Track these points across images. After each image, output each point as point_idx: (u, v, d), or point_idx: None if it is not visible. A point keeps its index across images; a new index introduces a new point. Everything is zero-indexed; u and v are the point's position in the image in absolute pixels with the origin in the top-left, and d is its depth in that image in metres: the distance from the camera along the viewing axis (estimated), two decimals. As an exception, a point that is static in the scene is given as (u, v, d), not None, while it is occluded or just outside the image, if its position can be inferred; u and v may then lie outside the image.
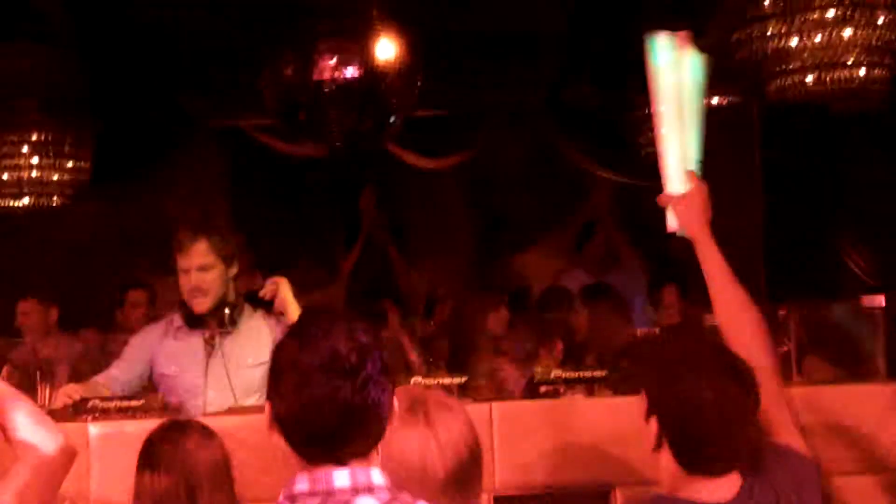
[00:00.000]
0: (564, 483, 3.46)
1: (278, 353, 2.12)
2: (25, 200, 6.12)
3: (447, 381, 3.87)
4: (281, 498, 2.06)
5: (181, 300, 4.45)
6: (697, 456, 2.46)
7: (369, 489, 2.05)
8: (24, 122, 6.18)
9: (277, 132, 6.73)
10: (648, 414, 2.48)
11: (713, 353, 2.54)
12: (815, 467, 2.61)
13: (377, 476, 2.07)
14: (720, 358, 2.52)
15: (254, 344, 4.28)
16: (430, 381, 3.89)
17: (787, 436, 2.63)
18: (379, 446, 2.10)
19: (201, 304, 4.34)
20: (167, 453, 2.97)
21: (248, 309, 4.47)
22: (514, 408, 3.70)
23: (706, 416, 2.41)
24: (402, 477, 2.20)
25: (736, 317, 2.74)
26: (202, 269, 4.32)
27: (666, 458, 2.47)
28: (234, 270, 4.41)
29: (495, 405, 3.62)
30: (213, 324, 4.37)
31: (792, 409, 2.68)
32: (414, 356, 5.70)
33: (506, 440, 3.48)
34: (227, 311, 4.37)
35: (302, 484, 2.05)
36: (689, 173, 2.94)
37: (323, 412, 2.03)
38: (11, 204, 6.10)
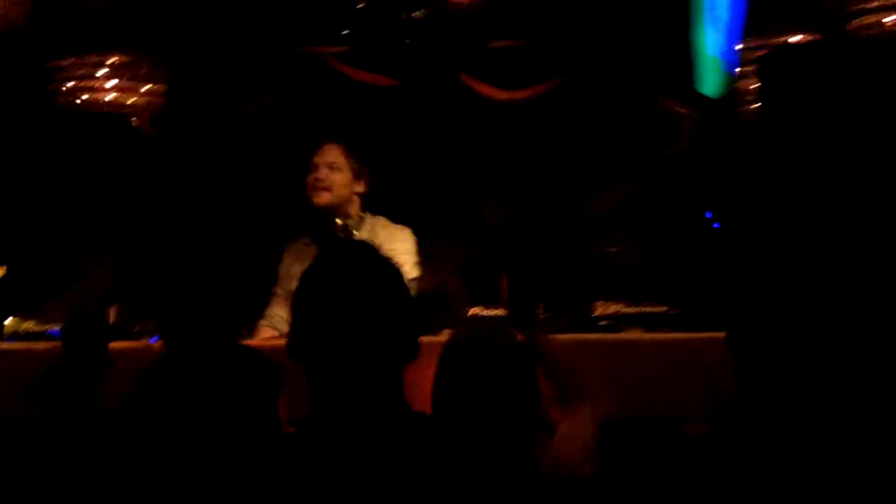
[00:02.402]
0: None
1: None
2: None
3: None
4: None
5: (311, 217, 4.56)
6: None
7: None
8: (102, 45, 6.23)
9: (353, 60, 6.73)
10: None
11: None
12: None
13: None
14: None
15: None
16: (490, 312, 3.92)
17: None
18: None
19: (321, 197, 4.56)
20: None
21: (369, 218, 4.58)
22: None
23: None
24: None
25: None
26: (330, 166, 4.56)
27: None
28: (360, 187, 4.57)
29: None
30: (331, 234, 4.51)
31: None
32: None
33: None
34: (344, 221, 4.50)
35: None
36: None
37: None
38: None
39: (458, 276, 5.73)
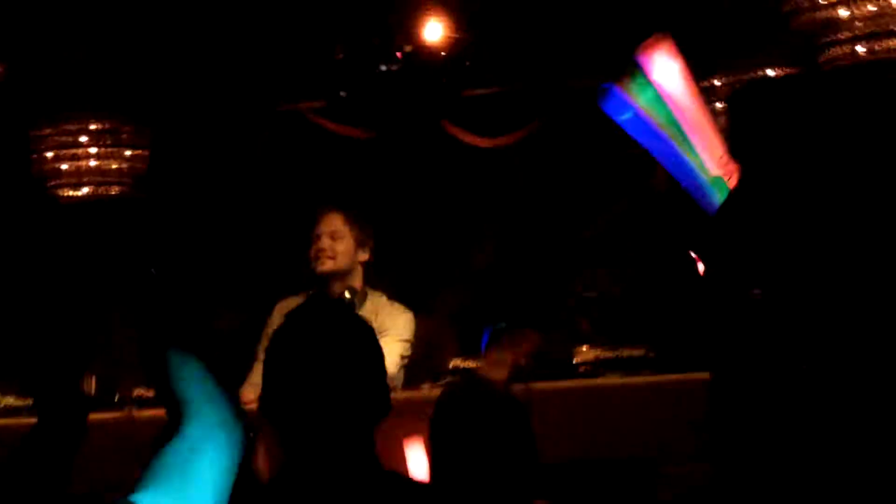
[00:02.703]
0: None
1: None
2: (85, 190, 6.20)
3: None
4: None
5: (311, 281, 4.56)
6: None
7: None
8: (82, 111, 6.26)
9: (330, 114, 6.76)
10: None
11: None
12: None
13: None
14: None
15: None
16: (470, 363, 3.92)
17: None
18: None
19: (324, 265, 4.56)
20: None
21: (369, 293, 4.58)
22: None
23: None
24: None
25: None
26: (332, 236, 4.57)
27: None
28: (364, 256, 4.57)
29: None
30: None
31: None
32: None
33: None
34: (346, 294, 4.50)
35: None
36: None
37: None
38: (71, 193, 6.18)
39: (450, 329, 5.74)
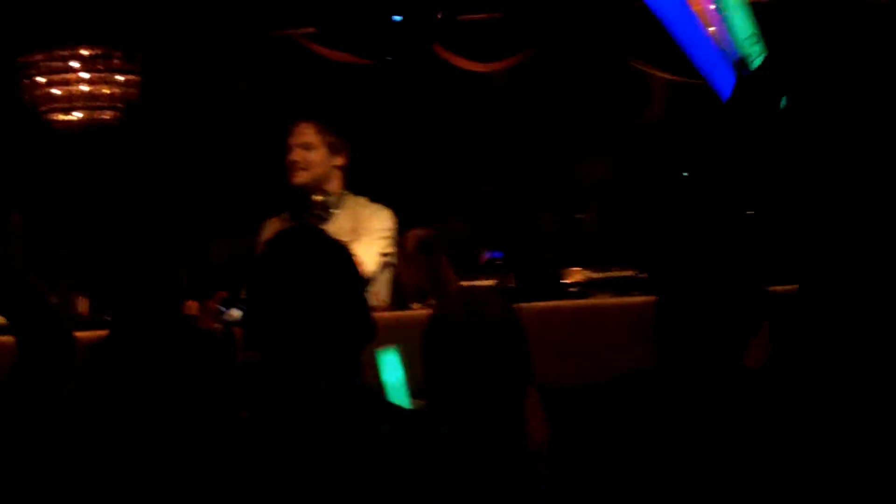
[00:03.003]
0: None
1: None
2: (77, 115, 6.18)
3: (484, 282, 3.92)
4: None
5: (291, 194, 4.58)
6: None
7: None
8: (74, 37, 6.22)
9: (324, 39, 6.73)
10: None
11: None
12: None
13: None
14: None
15: (349, 225, 4.48)
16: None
17: None
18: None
19: (299, 177, 4.64)
20: None
21: (348, 196, 4.61)
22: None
23: None
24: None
25: None
26: (305, 146, 4.68)
27: None
28: (339, 160, 4.62)
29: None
30: (311, 211, 4.57)
31: None
32: None
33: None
34: (322, 197, 4.56)
35: None
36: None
37: None
38: (63, 118, 6.16)
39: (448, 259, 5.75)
